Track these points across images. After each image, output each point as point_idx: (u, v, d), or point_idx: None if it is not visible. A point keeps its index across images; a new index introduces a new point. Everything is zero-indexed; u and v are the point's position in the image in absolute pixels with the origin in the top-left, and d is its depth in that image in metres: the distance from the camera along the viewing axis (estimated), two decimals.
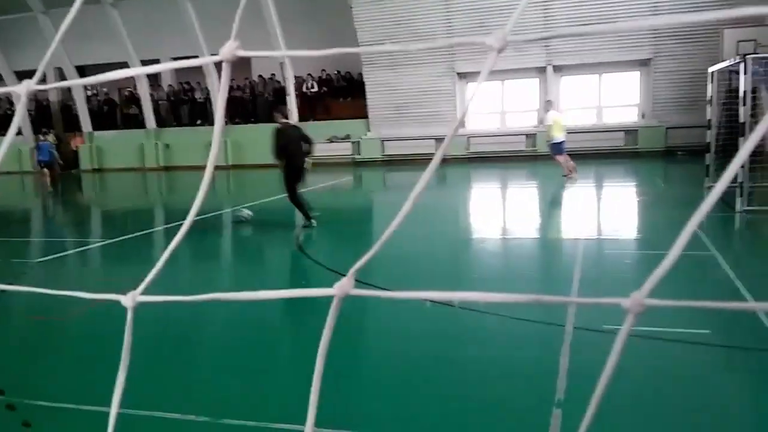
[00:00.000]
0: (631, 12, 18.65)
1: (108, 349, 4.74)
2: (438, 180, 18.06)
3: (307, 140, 9.34)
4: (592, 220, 9.82)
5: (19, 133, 26.49)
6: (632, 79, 20.95)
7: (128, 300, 0.61)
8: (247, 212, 10.31)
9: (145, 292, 0.69)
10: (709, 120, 11.59)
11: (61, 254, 8.36)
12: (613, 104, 21.37)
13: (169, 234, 10.14)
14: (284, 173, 9.34)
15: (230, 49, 0.75)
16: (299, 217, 9.56)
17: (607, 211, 11.26)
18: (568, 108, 20.60)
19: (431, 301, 4.15)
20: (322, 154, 23.32)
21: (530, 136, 21.07)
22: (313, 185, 17.07)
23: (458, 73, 21.51)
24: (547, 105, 14.86)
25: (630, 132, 20.62)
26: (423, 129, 21.74)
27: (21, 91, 0.76)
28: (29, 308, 5.82)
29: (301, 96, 23.52)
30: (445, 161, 21.49)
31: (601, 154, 19.51)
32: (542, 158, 18.07)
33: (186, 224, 0.66)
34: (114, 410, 0.64)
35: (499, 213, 11.79)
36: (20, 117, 0.71)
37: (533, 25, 18.83)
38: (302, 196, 9.48)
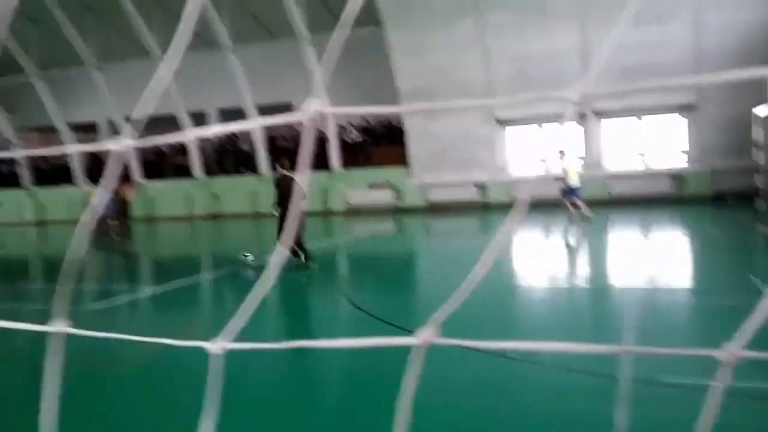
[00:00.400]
0: (674, 60, 18.53)
1: (166, 399, 4.80)
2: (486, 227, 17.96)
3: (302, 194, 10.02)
4: (651, 269, 9.52)
5: (73, 182, 27.60)
6: (675, 122, 20.69)
7: (216, 347, 0.64)
8: (250, 257, 10.89)
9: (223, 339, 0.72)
10: (759, 164, 11.33)
11: (130, 299, 8.57)
12: (658, 148, 21.09)
13: (221, 281, 10.31)
14: (281, 221, 10.11)
15: (314, 106, 0.80)
16: (340, 266, 9.59)
17: (665, 258, 10.97)
18: (610, 152, 20.36)
19: (506, 350, 4.07)
20: (363, 201, 23.59)
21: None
22: (358, 233, 17.24)
23: (497, 120, 21.62)
24: (561, 155, 15.57)
25: (676, 177, 20.24)
26: (463, 175, 21.82)
27: (116, 147, 0.82)
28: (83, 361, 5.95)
29: (343, 144, 23.97)
30: (488, 207, 21.41)
31: (646, 200, 19.18)
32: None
33: (270, 275, 0.69)
34: None
35: (540, 259, 11.63)
36: (113, 171, 0.77)
37: (574, 72, 18.90)
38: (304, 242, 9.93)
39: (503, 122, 21.76)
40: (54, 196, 27.75)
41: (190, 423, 3.73)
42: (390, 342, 0.74)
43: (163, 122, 26.77)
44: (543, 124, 21.64)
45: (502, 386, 4.51)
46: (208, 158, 26.53)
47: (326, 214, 23.56)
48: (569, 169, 14.67)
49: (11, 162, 28.53)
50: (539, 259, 11.52)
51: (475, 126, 21.71)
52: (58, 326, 0.57)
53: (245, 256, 10.89)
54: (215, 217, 25.33)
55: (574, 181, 14.52)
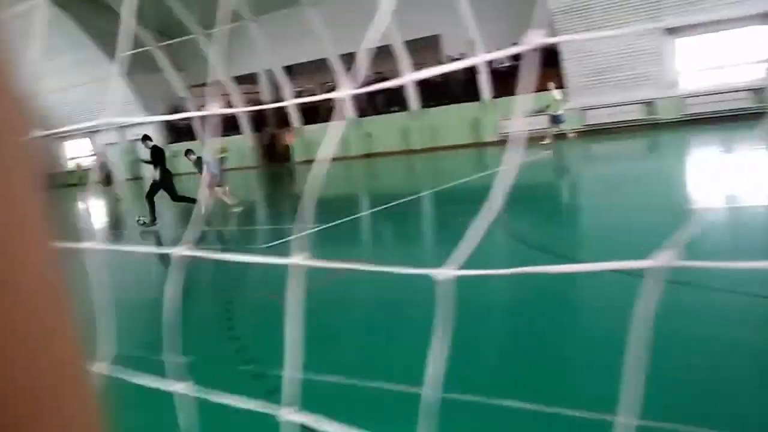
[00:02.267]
0: None
1: (345, 321, 5.07)
2: (652, 147, 16.74)
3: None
4: None
5: (239, 131, 29.66)
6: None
7: (444, 274, 0.58)
8: (141, 220, 12.26)
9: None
10: None
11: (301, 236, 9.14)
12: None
13: (377, 217, 10.61)
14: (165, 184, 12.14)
15: (535, 36, 0.69)
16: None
17: None
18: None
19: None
20: (518, 130, 22.80)
21: (757, 91, 18.55)
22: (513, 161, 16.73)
23: (666, 29, 19.56)
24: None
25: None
26: (626, 94, 20.22)
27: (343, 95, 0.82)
28: (266, 287, 6.44)
29: (493, 72, 23.17)
30: (657, 126, 19.76)
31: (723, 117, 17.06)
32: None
33: (495, 201, 0.59)
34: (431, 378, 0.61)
35: (717, 179, 10.51)
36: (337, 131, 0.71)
37: None
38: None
39: (674, 32, 19.64)
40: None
41: (410, 348, 3.82)
42: (623, 266, 0.64)
43: (315, 66, 27.61)
44: (721, 31, 19.24)
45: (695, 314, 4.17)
46: (359, 99, 27.05)
47: (478, 145, 23.19)
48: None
49: (185, 117, 31.28)
50: (713, 180, 10.43)
51: (638, 40, 19.86)
52: (298, 259, 0.59)
53: (138, 220, 12.22)
54: (368, 156, 26.01)
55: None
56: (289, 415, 0.69)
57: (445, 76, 24.94)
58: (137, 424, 3.18)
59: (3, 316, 0.28)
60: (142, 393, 3.11)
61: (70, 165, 34.04)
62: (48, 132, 1.16)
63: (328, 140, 0.82)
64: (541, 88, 22.36)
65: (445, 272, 0.61)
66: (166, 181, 12.09)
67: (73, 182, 29.94)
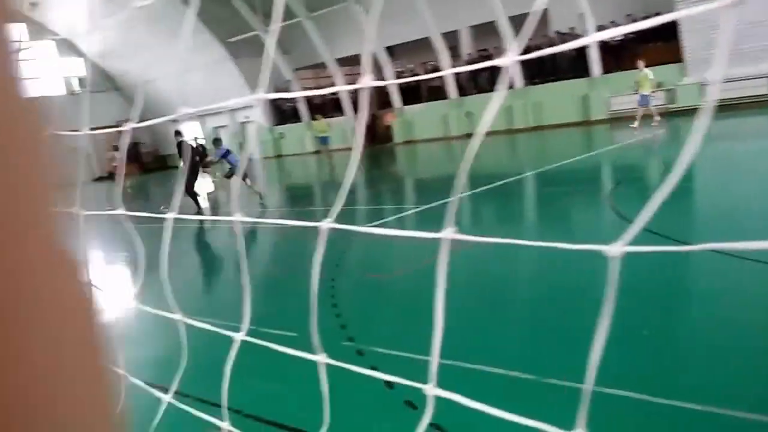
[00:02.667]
0: None
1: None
2: None
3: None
4: None
5: (343, 113, 30.17)
6: None
7: (615, 251, 0.61)
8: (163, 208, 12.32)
9: None
10: None
11: (402, 216, 9.23)
12: None
13: (478, 198, 10.48)
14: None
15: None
16: (605, 177, 8.98)
17: None
18: None
19: None
20: (631, 106, 21.68)
21: None
22: (623, 140, 15.98)
23: None
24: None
25: None
26: (753, 68, 18.60)
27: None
28: (365, 268, 6.55)
29: (603, 46, 22.05)
30: None
31: None
32: None
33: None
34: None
35: None
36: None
37: None
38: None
39: None
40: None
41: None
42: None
43: (416, 46, 27.42)
44: None
45: None
46: (461, 78, 26.67)
47: (586, 123, 22.24)
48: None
49: (291, 99, 32.20)
50: None
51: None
52: (448, 233, 0.59)
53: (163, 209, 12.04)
54: (469, 135, 25.65)
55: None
56: (432, 390, 0.69)
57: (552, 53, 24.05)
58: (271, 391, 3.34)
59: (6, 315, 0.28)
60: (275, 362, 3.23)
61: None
62: (165, 118, 1.22)
63: (489, 111, 0.81)
64: (657, 62, 21.06)
65: (616, 249, 0.60)
66: (190, 174, 12.56)
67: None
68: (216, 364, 1.26)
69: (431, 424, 2.95)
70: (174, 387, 1.16)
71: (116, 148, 33.66)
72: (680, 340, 3.80)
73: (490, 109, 0.74)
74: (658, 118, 17.61)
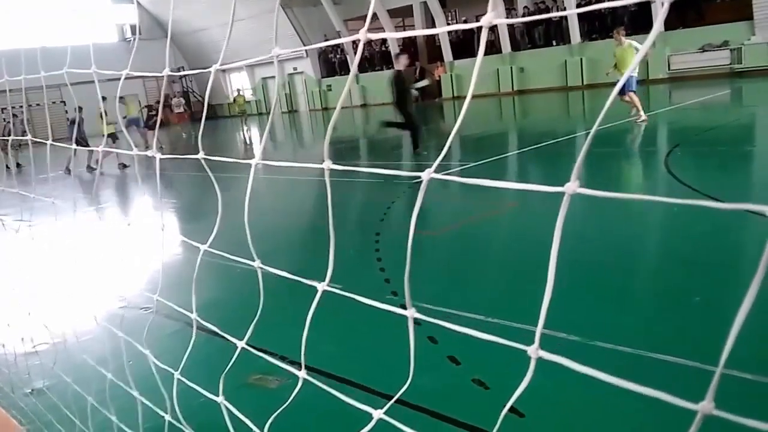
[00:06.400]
0: None
1: (477, 262, 5.07)
2: None
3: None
4: None
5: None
6: None
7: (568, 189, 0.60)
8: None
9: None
10: None
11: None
12: None
13: (524, 157, 10.29)
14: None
15: None
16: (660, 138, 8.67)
17: None
18: None
19: None
20: (692, 66, 20.70)
21: None
22: (683, 101, 15.33)
23: None
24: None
25: None
26: None
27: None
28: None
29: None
30: None
31: None
32: None
33: None
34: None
35: None
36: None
37: None
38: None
39: None
40: (374, 81, 30.18)
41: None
42: None
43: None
44: None
45: None
46: (515, 31, 25.87)
47: (645, 82, 21.41)
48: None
49: (342, 52, 31.88)
50: None
51: None
52: (571, 187, 0.62)
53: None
54: (521, 92, 25.02)
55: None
56: (536, 353, 0.68)
57: (612, 9, 23.03)
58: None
59: None
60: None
61: (233, 97, 36.29)
62: (217, 66, 1.22)
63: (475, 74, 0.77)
64: (724, 20, 19.94)
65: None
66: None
67: (234, 113, 31.93)
68: (262, 310, 1.29)
69: (473, 380, 2.98)
70: (249, 333, 1.19)
71: (168, 97, 34.22)
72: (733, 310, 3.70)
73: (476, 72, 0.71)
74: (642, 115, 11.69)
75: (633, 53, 11.39)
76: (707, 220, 5.14)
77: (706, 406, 0.52)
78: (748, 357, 2.74)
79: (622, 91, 11.03)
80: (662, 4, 0.53)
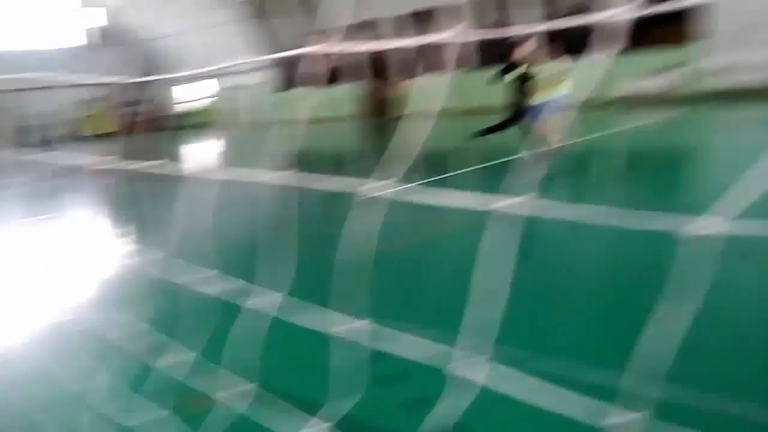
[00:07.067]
0: None
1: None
2: None
3: None
4: None
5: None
6: None
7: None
8: None
9: None
10: None
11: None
12: None
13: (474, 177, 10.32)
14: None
15: None
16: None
17: None
18: None
19: None
20: (638, 90, 21.14)
21: None
22: (628, 125, 15.68)
23: None
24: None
25: None
26: None
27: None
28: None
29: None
30: None
31: None
32: None
33: None
34: None
35: None
36: None
37: None
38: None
39: None
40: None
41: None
42: None
43: (444, 13, 26.66)
44: None
45: None
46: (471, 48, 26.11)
47: (592, 105, 21.90)
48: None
49: (300, 64, 31.76)
50: None
51: None
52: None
53: None
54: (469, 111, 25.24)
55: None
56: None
57: (553, 33, 23.43)
58: None
59: None
60: None
61: (180, 108, 35.81)
62: (175, 75, 1.20)
63: (436, 92, 0.76)
64: (670, 42, 20.54)
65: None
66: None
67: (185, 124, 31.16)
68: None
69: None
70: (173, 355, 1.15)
71: (128, 104, 33.28)
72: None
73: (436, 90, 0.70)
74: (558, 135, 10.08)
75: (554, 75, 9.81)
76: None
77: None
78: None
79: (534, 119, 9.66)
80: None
